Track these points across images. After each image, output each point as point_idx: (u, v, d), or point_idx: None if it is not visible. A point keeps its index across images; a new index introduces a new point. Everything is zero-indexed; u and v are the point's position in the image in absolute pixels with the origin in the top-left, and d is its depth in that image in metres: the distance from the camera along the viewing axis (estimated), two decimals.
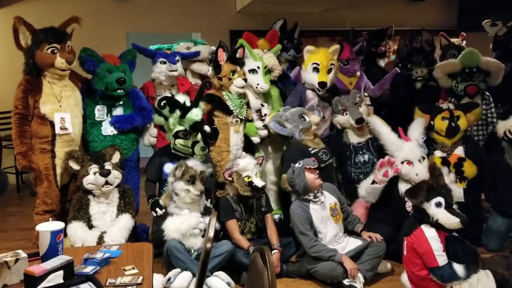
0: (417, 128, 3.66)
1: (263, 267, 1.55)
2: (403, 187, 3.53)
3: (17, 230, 4.27)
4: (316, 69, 3.94)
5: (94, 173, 3.32)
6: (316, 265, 3.13)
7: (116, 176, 3.38)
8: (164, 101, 3.33)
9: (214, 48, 4.25)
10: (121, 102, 3.73)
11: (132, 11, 6.27)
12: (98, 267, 1.93)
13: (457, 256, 2.69)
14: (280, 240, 3.36)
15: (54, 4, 5.88)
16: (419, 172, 3.45)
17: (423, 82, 4.46)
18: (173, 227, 3.09)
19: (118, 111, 3.72)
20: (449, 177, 3.53)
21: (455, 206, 2.80)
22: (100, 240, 3.19)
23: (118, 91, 3.63)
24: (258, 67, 3.91)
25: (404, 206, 3.48)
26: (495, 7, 5.81)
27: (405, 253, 2.83)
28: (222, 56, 3.82)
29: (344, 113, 3.83)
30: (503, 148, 3.75)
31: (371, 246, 3.20)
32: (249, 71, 3.90)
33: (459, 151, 3.75)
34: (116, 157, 3.51)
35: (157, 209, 3.30)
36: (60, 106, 3.46)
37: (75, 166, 3.40)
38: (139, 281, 1.84)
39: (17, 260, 1.79)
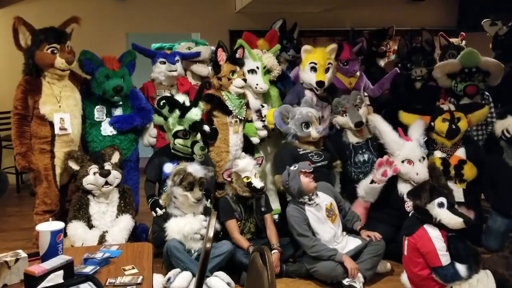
0: (417, 128, 3.65)
1: (263, 267, 1.56)
2: (402, 187, 3.53)
3: (17, 230, 4.27)
4: (313, 69, 3.95)
5: (94, 173, 3.32)
6: (316, 265, 3.13)
7: (115, 176, 3.39)
8: (164, 101, 3.33)
9: (214, 48, 4.25)
10: (120, 103, 3.73)
11: (132, 11, 6.27)
12: (98, 267, 1.93)
13: (459, 256, 2.69)
14: (280, 240, 3.35)
15: (54, 4, 5.88)
16: (420, 171, 3.45)
17: (423, 82, 4.45)
18: (176, 229, 3.09)
19: (118, 112, 3.72)
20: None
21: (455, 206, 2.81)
22: (102, 239, 3.20)
23: (115, 97, 3.64)
24: (257, 67, 3.91)
25: (403, 206, 3.48)
26: (495, 7, 5.82)
27: (405, 253, 2.83)
28: (222, 56, 3.82)
29: (344, 115, 3.83)
30: (502, 148, 3.76)
31: (370, 245, 3.20)
32: (248, 71, 3.91)
33: (460, 152, 3.75)
34: (115, 157, 3.52)
35: (157, 209, 3.30)
36: (60, 106, 3.46)
37: (74, 166, 3.40)
38: (139, 281, 1.84)
39: (17, 260, 1.79)
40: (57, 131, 3.45)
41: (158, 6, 6.34)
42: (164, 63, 4.18)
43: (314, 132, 3.63)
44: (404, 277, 2.88)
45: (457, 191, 3.61)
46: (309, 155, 3.64)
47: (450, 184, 3.31)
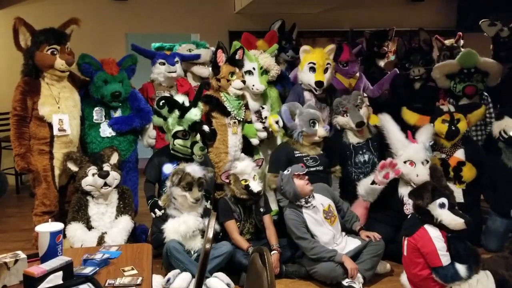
0: (425, 132, 3.62)
1: (262, 268, 1.55)
2: (403, 190, 3.51)
3: (17, 231, 4.27)
4: (312, 69, 3.95)
5: (93, 175, 3.32)
6: (315, 265, 3.12)
7: (114, 177, 3.38)
8: (163, 101, 3.33)
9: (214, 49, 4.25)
10: (119, 104, 3.72)
11: (131, 12, 6.28)
12: (98, 268, 1.93)
13: (459, 256, 2.69)
14: (279, 240, 3.35)
15: (54, 5, 5.89)
16: (420, 173, 3.41)
17: (422, 83, 4.46)
18: (173, 229, 3.09)
19: (117, 113, 3.72)
20: None
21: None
22: (101, 240, 3.19)
23: (113, 103, 3.64)
24: (254, 68, 3.91)
25: (403, 209, 3.47)
26: (494, 7, 5.82)
27: (405, 253, 2.83)
28: (221, 57, 3.82)
29: (345, 115, 3.82)
30: (501, 149, 3.76)
31: (369, 246, 3.20)
32: (245, 72, 3.90)
33: (460, 154, 3.75)
34: (114, 158, 3.51)
35: (156, 210, 3.31)
36: (59, 107, 3.46)
37: (73, 167, 3.40)
38: (139, 281, 1.83)
39: (16, 261, 1.79)
40: (56, 132, 3.45)
41: (158, 7, 6.34)
42: (164, 64, 4.18)
43: (321, 130, 3.61)
44: (403, 278, 2.89)
45: (456, 192, 3.61)
46: (304, 158, 3.62)
47: (450, 185, 3.31)
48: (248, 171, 3.35)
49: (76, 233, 3.21)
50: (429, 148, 3.57)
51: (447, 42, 5.05)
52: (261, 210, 3.43)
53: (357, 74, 4.63)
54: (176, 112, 3.35)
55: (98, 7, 6.13)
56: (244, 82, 3.80)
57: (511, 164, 3.71)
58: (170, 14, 6.38)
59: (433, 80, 4.33)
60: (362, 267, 3.11)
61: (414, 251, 2.75)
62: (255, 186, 3.32)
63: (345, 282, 3.05)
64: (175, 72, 4.19)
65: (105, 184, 3.32)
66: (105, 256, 2.04)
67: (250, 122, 3.93)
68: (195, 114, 3.39)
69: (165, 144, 3.70)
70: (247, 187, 3.30)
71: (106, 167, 3.37)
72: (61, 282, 1.71)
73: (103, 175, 3.31)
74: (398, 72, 4.62)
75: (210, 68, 4.15)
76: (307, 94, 4.05)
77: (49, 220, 2.04)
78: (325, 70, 3.97)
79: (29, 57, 3.40)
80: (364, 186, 3.53)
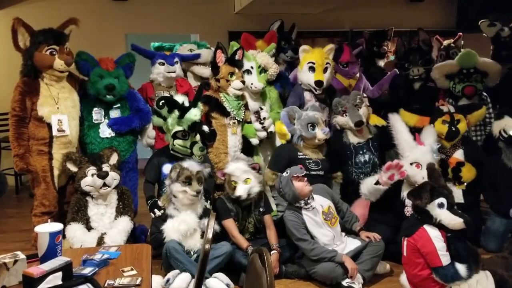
0: (432, 135, 3.59)
1: (262, 268, 1.55)
2: (406, 192, 3.48)
3: (16, 232, 4.27)
4: (312, 68, 3.95)
5: (92, 175, 3.32)
6: (315, 266, 3.12)
7: (114, 177, 3.38)
8: (163, 101, 3.33)
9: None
10: (118, 104, 3.72)
11: (131, 12, 6.28)
12: (97, 268, 1.93)
13: (459, 256, 2.70)
14: (279, 241, 3.35)
15: (54, 6, 5.89)
16: (426, 176, 3.39)
17: (421, 83, 4.46)
18: (173, 229, 3.09)
19: (116, 113, 3.71)
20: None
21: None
22: (100, 241, 3.19)
23: (108, 96, 3.61)
24: (252, 67, 3.92)
25: (404, 211, 3.46)
26: (494, 7, 5.82)
27: (405, 254, 2.83)
28: (221, 57, 3.82)
29: (344, 115, 3.82)
30: (501, 149, 3.76)
31: (369, 246, 3.20)
32: (244, 71, 3.91)
33: (459, 154, 3.75)
34: (114, 159, 3.51)
35: (156, 210, 3.30)
36: (58, 108, 3.46)
37: (72, 168, 3.40)
38: (138, 282, 1.83)
39: (15, 261, 1.79)
40: (55, 132, 3.45)
41: (157, 7, 6.34)
42: (163, 64, 4.18)
43: (320, 133, 3.59)
44: (403, 278, 2.89)
45: (457, 192, 3.61)
46: (307, 161, 3.61)
47: (449, 186, 3.31)
48: (237, 174, 3.34)
49: (76, 233, 3.20)
50: (436, 151, 3.54)
51: (445, 42, 5.06)
52: (261, 209, 3.43)
53: (357, 75, 4.63)
54: (176, 112, 3.35)
55: (98, 7, 6.13)
56: (243, 82, 3.80)
57: (511, 164, 3.71)
58: (170, 14, 6.38)
59: (433, 81, 4.33)
60: (361, 268, 3.11)
61: (413, 252, 2.75)
62: (240, 190, 3.30)
63: (345, 283, 3.05)
64: (174, 72, 4.19)
65: (104, 185, 3.32)
66: (105, 256, 2.04)
67: (250, 122, 3.93)
68: (194, 114, 3.38)
69: (164, 144, 3.70)
70: (234, 189, 3.31)
71: (105, 167, 3.37)
72: (61, 282, 1.71)
73: (102, 175, 3.31)
74: (398, 72, 4.62)
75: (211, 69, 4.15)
76: (307, 95, 4.05)
77: (49, 220, 2.04)
78: (325, 70, 3.97)
79: (28, 57, 3.40)
80: (367, 185, 3.50)
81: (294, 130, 3.65)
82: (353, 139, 3.86)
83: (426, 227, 2.73)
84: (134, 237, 3.54)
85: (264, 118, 3.91)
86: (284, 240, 3.40)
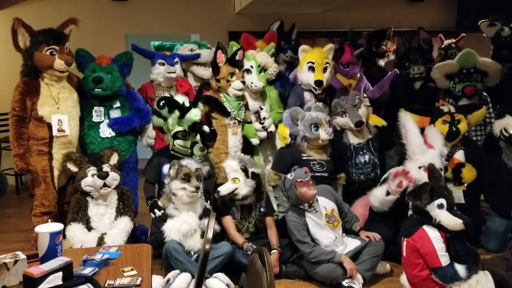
0: (439, 138, 3.55)
1: (262, 268, 1.55)
2: None
3: (16, 232, 4.27)
4: (311, 68, 3.95)
5: (92, 175, 3.32)
6: (315, 266, 3.12)
7: (114, 178, 3.38)
8: (163, 101, 3.33)
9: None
10: (118, 104, 3.72)
11: (131, 12, 6.28)
12: (97, 269, 1.93)
13: (458, 256, 2.70)
14: (280, 240, 3.35)
15: (54, 6, 5.89)
16: None
17: (422, 82, 4.46)
18: (173, 229, 3.09)
19: (116, 113, 3.71)
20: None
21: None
22: (100, 241, 3.19)
23: (96, 89, 3.56)
24: (252, 67, 3.92)
25: (407, 213, 3.45)
26: (494, 7, 5.82)
27: (404, 254, 2.83)
28: (221, 58, 3.82)
29: (343, 115, 3.82)
30: (501, 149, 3.76)
31: (369, 246, 3.20)
32: (243, 71, 3.91)
33: (459, 155, 3.74)
34: (114, 159, 3.51)
35: (156, 210, 3.30)
36: (58, 108, 3.46)
37: (73, 168, 3.39)
38: (138, 282, 1.83)
39: (16, 261, 1.79)
40: (55, 132, 3.45)
41: (157, 7, 6.34)
42: (163, 64, 4.18)
43: (323, 133, 3.58)
44: (403, 278, 2.89)
45: (457, 193, 3.61)
46: (311, 162, 3.61)
47: (449, 186, 3.31)
48: (227, 170, 3.37)
49: (76, 233, 3.20)
50: (445, 156, 3.51)
51: (446, 42, 5.06)
52: (262, 210, 3.43)
53: (358, 75, 4.63)
54: (176, 113, 3.35)
55: (98, 7, 6.13)
56: (244, 82, 3.79)
57: (511, 164, 3.71)
58: (170, 14, 6.38)
59: (433, 81, 4.33)
60: (361, 268, 3.12)
61: (413, 252, 2.75)
62: (223, 188, 3.33)
63: (345, 283, 3.05)
64: (174, 72, 4.19)
65: (105, 185, 3.32)
66: (105, 256, 2.04)
67: (250, 122, 3.93)
68: (195, 114, 3.39)
69: (164, 144, 3.70)
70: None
71: (105, 167, 3.37)
72: (61, 282, 1.71)
73: (103, 175, 3.31)
74: (398, 72, 4.61)
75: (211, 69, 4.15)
76: (307, 95, 4.05)
77: (49, 220, 2.04)
78: (324, 70, 3.96)
79: (28, 57, 3.40)
80: (378, 198, 3.42)
81: (297, 131, 3.64)
82: (353, 139, 3.86)
83: (426, 227, 2.73)
84: (134, 237, 3.54)
85: (264, 118, 3.91)
86: (286, 240, 3.40)
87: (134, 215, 3.60)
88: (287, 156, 3.66)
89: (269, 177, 3.69)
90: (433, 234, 2.70)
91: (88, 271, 1.88)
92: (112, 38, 6.06)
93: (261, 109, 3.96)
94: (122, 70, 3.71)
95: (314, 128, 3.58)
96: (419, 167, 3.43)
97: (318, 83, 3.92)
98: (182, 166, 3.18)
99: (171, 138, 3.44)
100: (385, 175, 3.57)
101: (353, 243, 3.26)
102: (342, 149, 3.85)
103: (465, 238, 2.80)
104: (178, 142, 3.41)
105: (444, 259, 2.66)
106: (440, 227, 2.71)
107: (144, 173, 3.59)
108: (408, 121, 3.62)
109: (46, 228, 1.88)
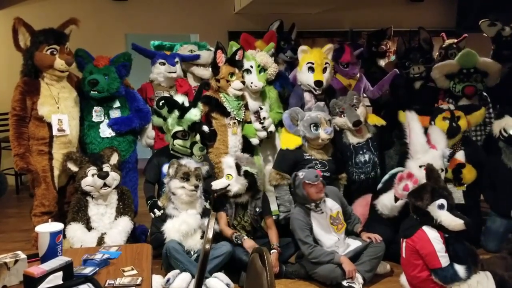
0: (442, 138, 3.52)
1: (262, 268, 1.56)
2: None
3: (16, 232, 4.27)
4: (311, 69, 3.95)
5: (93, 175, 3.32)
6: (315, 266, 3.12)
7: (114, 178, 3.38)
8: (163, 101, 3.33)
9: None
10: (118, 104, 3.72)
11: (130, 12, 6.28)
12: (97, 268, 1.93)
13: (458, 257, 2.69)
14: (280, 240, 3.35)
15: (54, 6, 5.89)
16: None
17: (422, 83, 4.46)
18: (173, 229, 3.10)
19: (116, 113, 3.71)
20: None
21: None
22: (101, 241, 3.19)
23: (92, 92, 3.56)
24: (251, 66, 3.92)
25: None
26: (494, 7, 5.82)
27: (403, 255, 2.82)
28: (221, 58, 3.82)
29: (342, 115, 3.82)
30: (501, 149, 3.76)
31: (370, 247, 3.20)
32: (243, 71, 3.91)
33: (460, 156, 3.73)
34: (114, 159, 3.51)
35: (156, 210, 3.30)
36: (58, 107, 3.46)
37: (73, 167, 3.40)
38: (138, 282, 1.84)
39: (16, 261, 1.79)
40: (55, 132, 3.45)
41: (157, 7, 6.34)
42: (164, 64, 4.18)
43: (323, 133, 3.57)
44: (403, 279, 2.88)
45: (457, 193, 3.61)
46: (313, 161, 3.61)
47: (449, 186, 3.30)
48: (223, 167, 3.39)
49: (76, 233, 3.20)
50: (447, 157, 3.49)
51: (447, 41, 5.06)
52: (257, 209, 3.40)
53: (357, 75, 4.63)
54: (176, 113, 3.35)
55: (98, 7, 6.13)
56: (243, 83, 3.79)
57: (511, 164, 3.71)
58: (170, 14, 6.38)
59: (433, 81, 4.33)
60: (361, 269, 3.12)
61: (412, 253, 2.74)
62: (216, 182, 3.35)
63: (345, 283, 3.05)
64: (175, 72, 4.19)
65: (105, 185, 3.32)
66: (105, 256, 2.04)
67: (250, 122, 3.93)
68: (194, 114, 3.39)
69: (164, 144, 3.70)
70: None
71: (105, 167, 3.37)
72: (61, 282, 1.71)
73: (103, 175, 3.31)
74: (398, 72, 4.62)
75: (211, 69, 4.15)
76: (306, 95, 4.05)
77: (49, 220, 2.04)
78: (324, 70, 3.96)
79: (29, 57, 3.40)
80: (386, 205, 3.38)
81: (298, 132, 3.65)
82: (352, 139, 3.86)
83: (425, 228, 2.73)
84: (134, 237, 3.54)
85: (264, 118, 3.91)
86: (285, 240, 3.40)
87: (134, 215, 3.60)
88: (289, 156, 3.66)
89: (270, 177, 3.68)
90: (432, 235, 2.70)
91: (88, 270, 1.89)
92: (112, 38, 6.06)
93: (261, 109, 3.96)
94: (120, 71, 3.69)
95: (314, 128, 3.59)
96: (420, 166, 3.42)
97: (318, 83, 3.92)
98: (181, 165, 3.19)
99: (170, 138, 3.44)
100: (386, 177, 3.58)
101: (353, 244, 3.26)
102: (342, 149, 3.85)
103: (464, 239, 2.80)
104: (178, 142, 3.41)
105: (444, 260, 2.66)
106: (440, 228, 2.71)
107: (144, 173, 3.59)
108: (413, 120, 3.61)
109: (46, 228, 1.88)
